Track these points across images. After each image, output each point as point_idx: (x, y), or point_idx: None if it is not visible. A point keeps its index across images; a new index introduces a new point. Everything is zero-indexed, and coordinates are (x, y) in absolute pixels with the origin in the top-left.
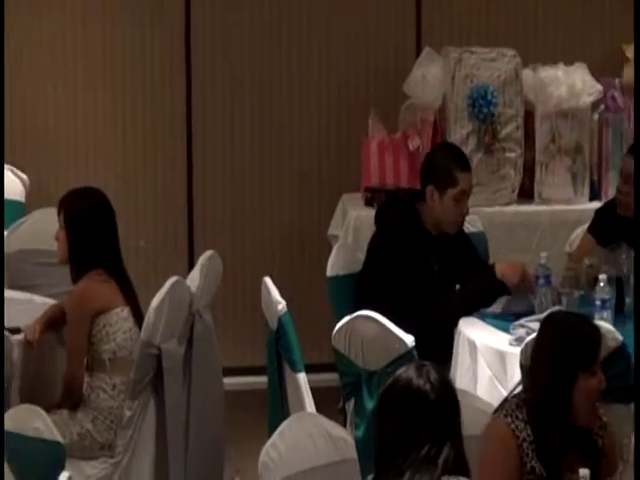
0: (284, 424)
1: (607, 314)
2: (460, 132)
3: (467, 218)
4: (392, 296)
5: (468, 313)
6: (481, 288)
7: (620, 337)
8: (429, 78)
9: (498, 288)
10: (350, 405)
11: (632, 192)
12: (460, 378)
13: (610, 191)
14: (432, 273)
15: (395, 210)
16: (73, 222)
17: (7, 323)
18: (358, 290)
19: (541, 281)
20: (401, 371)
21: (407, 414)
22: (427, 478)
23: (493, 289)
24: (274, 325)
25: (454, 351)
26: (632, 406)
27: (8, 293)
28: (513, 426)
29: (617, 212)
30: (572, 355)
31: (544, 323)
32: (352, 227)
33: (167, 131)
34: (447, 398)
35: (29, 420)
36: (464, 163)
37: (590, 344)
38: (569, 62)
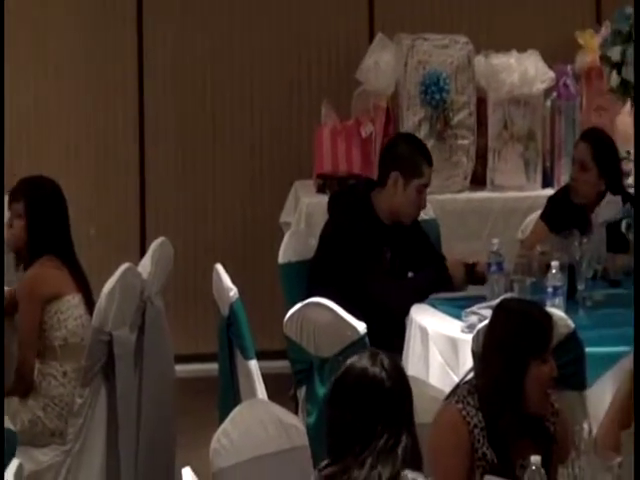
0: (235, 411)
1: (559, 301)
2: (412, 119)
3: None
4: (343, 284)
5: (415, 302)
6: (429, 281)
7: (572, 324)
8: (382, 65)
9: (445, 283)
10: (302, 392)
11: (588, 179)
12: (412, 365)
13: (563, 178)
14: (383, 262)
15: (348, 198)
16: (34, 210)
17: None
18: (310, 277)
19: (493, 268)
20: (354, 359)
21: (363, 402)
22: (389, 469)
23: (440, 283)
24: (225, 312)
25: (406, 338)
26: (584, 393)
27: None
28: (464, 412)
29: (571, 199)
30: (524, 342)
31: (496, 310)
32: (304, 214)
33: (119, 119)
34: (402, 386)
35: None
36: (430, 159)
37: (542, 331)
38: (522, 49)
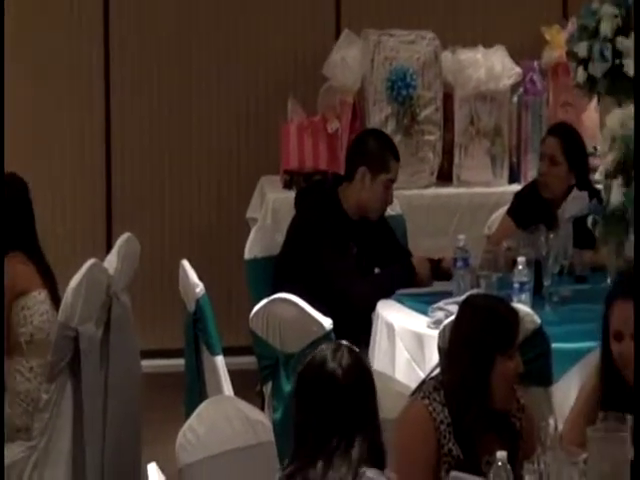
0: (201, 407)
1: (525, 297)
2: (379, 115)
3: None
4: (310, 279)
5: (381, 298)
6: (395, 277)
7: (538, 320)
8: (348, 61)
9: (411, 279)
10: (268, 388)
11: (558, 173)
12: (378, 361)
13: (529, 174)
14: (350, 257)
15: (316, 193)
16: (4, 207)
17: None
18: (276, 273)
19: (459, 264)
20: (318, 351)
21: (318, 397)
22: (343, 470)
23: (406, 279)
24: (192, 308)
25: (372, 334)
26: (550, 388)
27: None
28: (431, 408)
29: (539, 194)
30: (490, 338)
31: (463, 306)
32: (270, 210)
33: (85, 115)
34: (360, 384)
35: None
36: (397, 154)
37: (508, 327)
38: (488, 45)
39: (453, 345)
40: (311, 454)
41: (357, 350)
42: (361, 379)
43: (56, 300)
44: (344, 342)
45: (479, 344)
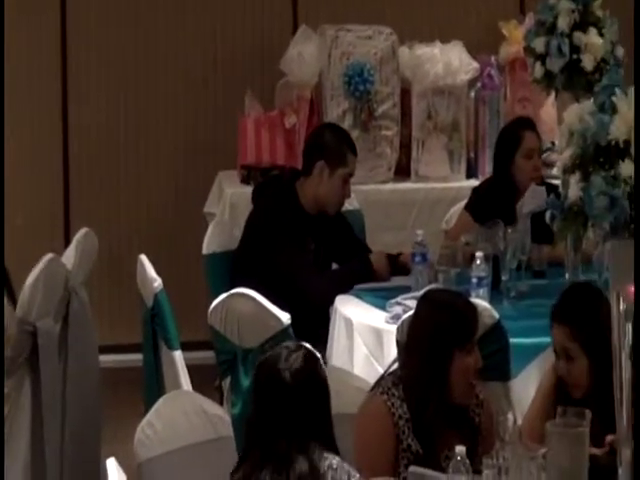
0: (159, 402)
1: (483, 292)
2: (336, 110)
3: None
4: (268, 275)
5: (339, 293)
6: (353, 272)
7: (496, 315)
8: (305, 56)
9: (369, 274)
10: (226, 383)
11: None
12: (336, 356)
13: (487, 169)
14: (307, 253)
15: (273, 188)
16: None
17: None
18: (234, 268)
19: (417, 259)
20: (276, 349)
21: (266, 397)
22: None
23: (364, 274)
24: (150, 303)
25: (330, 329)
26: (509, 383)
27: None
28: (389, 403)
29: (517, 186)
30: (448, 333)
31: (421, 300)
32: (228, 205)
33: (42, 107)
34: (308, 389)
35: None
36: (354, 148)
37: (466, 322)
38: (446, 40)
39: (411, 340)
40: (257, 458)
41: (317, 355)
42: (311, 384)
43: (12, 296)
44: (305, 344)
45: (437, 339)
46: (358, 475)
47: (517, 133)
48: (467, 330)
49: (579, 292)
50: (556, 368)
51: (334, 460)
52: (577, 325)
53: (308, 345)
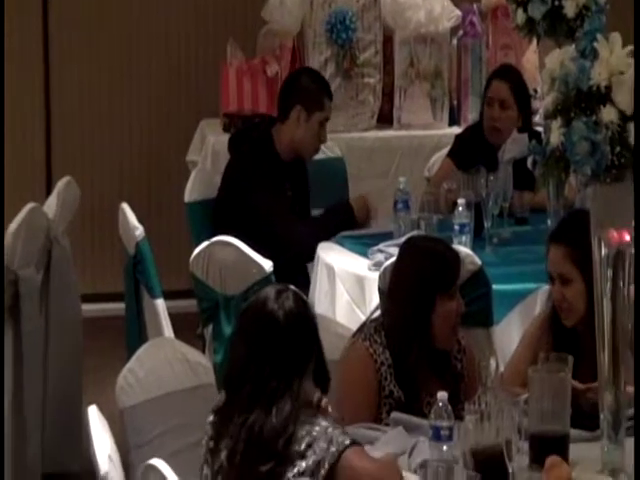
0: (141, 349)
1: (465, 238)
2: (318, 58)
3: (325, 143)
4: (247, 223)
5: (320, 240)
6: (334, 219)
7: (479, 261)
8: (287, 3)
9: (351, 222)
10: (208, 331)
11: (510, 116)
12: (319, 303)
13: (469, 116)
14: (286, 200)
15: (248, 137)
16: None
17: None
18: (214, 218)
19: (399, 206)
20: (262, 291)
21: (257, 337)
22: (281, 414)
23: (345, 222)
24: (131, 251)
25: (312, 276)
26: (491, 329)
27: None
28: (371, 350)
29: (487, 140)
30: (431, 278)
31: (403, 246)
32: (210, 153)
33: (25, 58)
34: (299, 329)
35: None
36: (330, 92)
37: (449, 267)
38: None
39: (394, 286)
40: (247, 401)
41: (303, 297)
42: (303, 324)
43: None
44: (291, 286)
45: (420, 285)
46: (347, 442)
47: (488, 80)
48: (449, 275)
49: (578, 216)
50: (552, 293)
51: (317, 427)
52: (574, 245)
53: (292, 287)
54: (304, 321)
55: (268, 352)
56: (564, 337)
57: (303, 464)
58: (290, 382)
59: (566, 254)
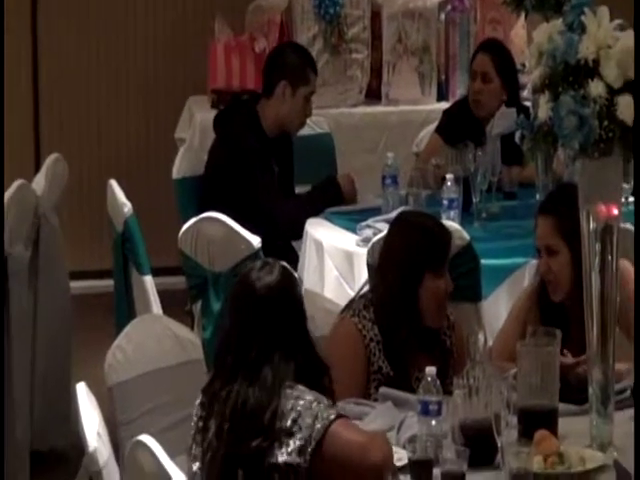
0: (129, 326)
1: (454, 214)
2: (307, 33)
3: (313, 119)
4: (236, 199)
5: (308, 217)
6: (322, 196)
7: (467, 236)
8: None
9: (338, 199)
10: (197, 307)
11: (492, 90)
12: (307, 279)
13: (458, 91)
14: (273, 175)
15: (234, 113)
16: None
17: None
18: (203, 193)
19: (388, 181)
20: (250, 265)
21: (237, 309)
22: (265, 388)
23: (333, 199)
24: (120, 228)
25: (301, 252)
26: (479, 304)
27: None
28: (360, 326)
29: (471, 112)
30: (421, 255)
31: (394, 222)
32: (198, 130)
33: (12, 31)
34: (280, 300)
35: None
36: (315, 66)
37: (439, 245)
38: None
39: (383, 262)
40: (232, 370)
41: (290, 271)
42: (283, 295)
43: None
44: (281, 262)
45: (409, 261)
46: (332, 416)
47: (474, 54)
48: (440, 252)
49: (566, 189)
50: (539, 266)
51: (301, 402)
52: (561, 217)
53: (282, 262)
54: (283, 294)
55: (247, 323)
56: (551, 311)
57: (291, 443)
58: (269, 354)
59: (554, 225)
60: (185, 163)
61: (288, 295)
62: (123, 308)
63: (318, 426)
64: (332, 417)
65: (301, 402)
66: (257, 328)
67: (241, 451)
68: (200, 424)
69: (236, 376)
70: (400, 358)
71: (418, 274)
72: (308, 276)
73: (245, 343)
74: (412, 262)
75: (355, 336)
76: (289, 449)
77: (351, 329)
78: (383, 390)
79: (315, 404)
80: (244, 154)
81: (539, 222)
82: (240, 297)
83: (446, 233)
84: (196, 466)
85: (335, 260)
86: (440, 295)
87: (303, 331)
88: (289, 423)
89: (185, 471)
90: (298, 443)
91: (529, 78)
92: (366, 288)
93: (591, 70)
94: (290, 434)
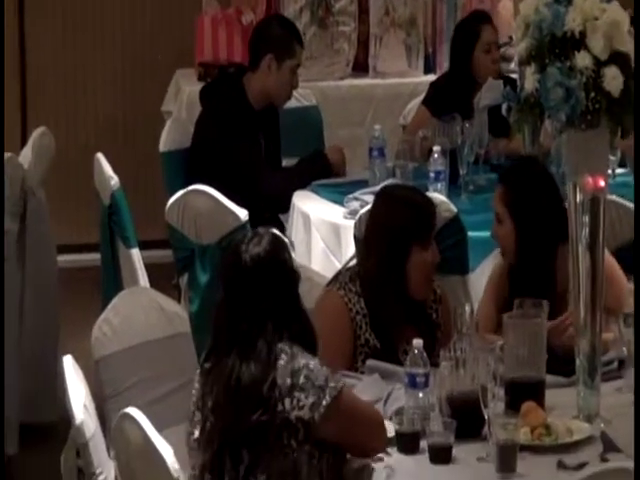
0: (116, 299)
1: (441, 186)
2: (293, 6)
3: (300, 92)
4: (223, 172)
5: (295, 190)
6: (309, 168)
7: (454, 208)
8: None
9: (326, 171)
10: (184, 280)
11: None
12: (294, 251)
13: (445, 64)
14: (259, 148)
15: (220, 87)
16: None
17: None
18: (190, 166)
19: (375, 153)
20: (242, 236)
21: (226, 280)
22: (259, 362)
23: (321, 172)
24: (107, 201)
25: (288, 225)
26: (466, 276)
27: None
28: (346, 299)
29: (462, 87)
30: (408, 229)
31: (380, 195)
32: (185, 102)
33: None
34: (266, 272)
35: None
36: (301, 39)
37: (425, 217)
38: None
39: (370, 235)
40: (226, 343)
41: (281, 237)
42: (272, 265)
43: None
44: (272, 230)
45: (396, 234)
46: (341, 383)
47: (475, 27)
48: (425, 225)
49: (526, 162)
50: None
51: (312, 363)
52: (509, 187)
53: (277, 231)
54: (272, 264)
55: (237, 296)
56: (518, 281)
57: (302, 398)
58: (262, 325)
59: (502, 194)
60: (172, 136)
61: (277, 264)
62: (110, 281)
63: (332, 384)
64: (341, 383)
65: (312, 363)
66: (248, 300)
67: (241, 426)
68: (199, 403)
69: (230, 351)
70: (387, 331)
71: (405, 247)
72: (295, 248)
73: (237, 316)
74: (398, 236)
75: (341, 309)
76: (301, 403)
77: (337, 302)
78: (370, 362)
79: (325, 367)
80: (231, 127)
81: (497, 190)
82: (228, 270)
83: (431, 205)
84: (196, 433)
85: (322, 232)
86: (427, 267)
87: (295, 299)
88: (302, 380)
89: (172, 443)
90: (311, 399)
91: (516, 50)
92: (353, 261)
93: (577, 42)
94: (302, 389)
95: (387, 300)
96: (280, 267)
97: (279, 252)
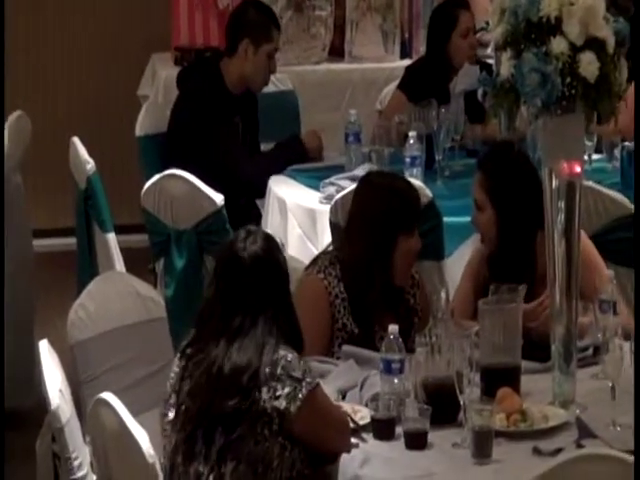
0: (92, 284)
1: (417, 171)
2: None
3: (276, 76)
4: (199, 157)
5: (271, 174)
6: (286, 153)
7: (430, 194)
8: None
9: (302, 156)
10: (160, 265)
11: (474, 43)
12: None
13: (421, 49)
14: (237, 133)
15: (197, 71)
16: None
17: None
18: (166, 150)
19: (351, 138)
20: (235, 233)
21: (223, 278)
22: (247, 352)
23: (297, 156)
24: (83, 185)
25: (264, 209)
26: (442, 262)
27: None
28: (326, 282)
29: (438, 72)
30: (395, 218)
31: (363, 184)
32: (162, 87)
33: None
34: (268, 268)
35: None
36: (278, 23)
37: (410, 206)
38: None
39: (353, 223)
40: (214, 334)
41: (272, 237)
42: (270, 263)
43: None
44: (266, 230)
45: (381, 222)
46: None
47: (453, 13)
48: (411, 213)
49: (502, 147)
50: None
51: (290, 355)
52: (489, 174)
53: (267, 230)
54: (269, 262)
55: (235, 292)
56: (498, 267)
57: (279, 388)
58: (255, 319)
59: (481, 181)
60: (148, 120)
61: (274, 262)
62: (86, 266)
63: (308, 379)
64: (317, 380)
65: (290, 355)
66: (245, 296)
67: (216, 410)
68: (176, 386)
69: (218, 341)
70: (367, 316)
71: (391, 236)
72: (271, 233)
73: (232, 310)
74: (384, 224)
75: (321, 292)
76: (277, 393)
77: (317, 285)
78: (346, 348)
79: (303, 362)
80: (207, 111)
81: (474, 176)
82: (228, 267)
83: (414, 191)
84: (171, 415)
85: (298, 218)
86: (411, 255)
87: (287, 294)
88: (279, 370)
89: (147, 428)
90: (287, 389)
91: (492, 35)
92: (331, 247)
93: (553, 27)
94: (279, 379)
95: (372, 288)
96: (276, 264)
97: (275, 249)
